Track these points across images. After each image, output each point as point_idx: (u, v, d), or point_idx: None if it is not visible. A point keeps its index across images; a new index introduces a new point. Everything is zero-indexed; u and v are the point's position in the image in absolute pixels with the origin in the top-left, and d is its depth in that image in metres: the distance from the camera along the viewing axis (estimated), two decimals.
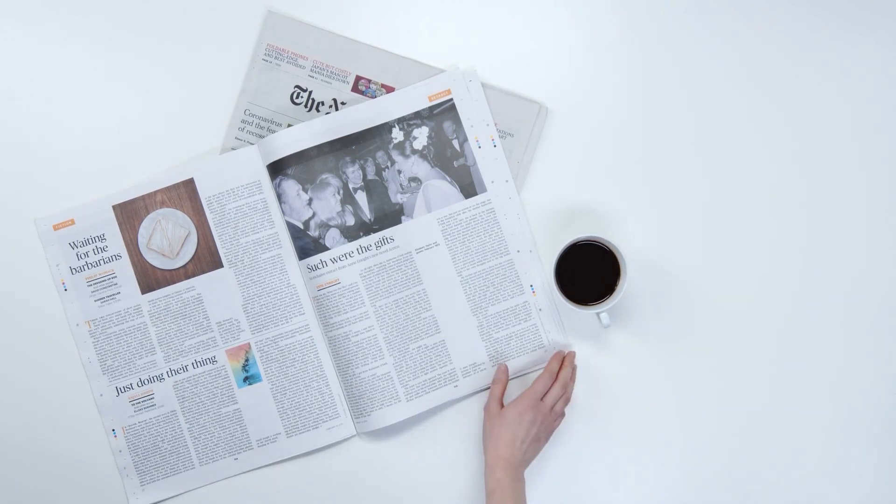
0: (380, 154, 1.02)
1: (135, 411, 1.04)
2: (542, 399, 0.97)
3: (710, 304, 1.03)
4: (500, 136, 1.03)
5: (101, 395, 1.04)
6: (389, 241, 1.02)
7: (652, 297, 1.03)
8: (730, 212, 1.03)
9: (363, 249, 1.02)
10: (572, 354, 1.01)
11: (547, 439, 0.99)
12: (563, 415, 1.00)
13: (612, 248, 0.97)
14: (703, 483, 1.03)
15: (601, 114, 1.04)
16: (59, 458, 1.05)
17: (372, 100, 1.03)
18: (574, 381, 1.01)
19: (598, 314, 0.97)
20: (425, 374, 1.03)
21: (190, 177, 1.03)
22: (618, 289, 0.97)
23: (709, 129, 1.03)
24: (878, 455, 1.03)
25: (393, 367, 1.02)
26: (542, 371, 0.99)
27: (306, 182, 1.02)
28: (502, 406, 0.98)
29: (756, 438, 1.03)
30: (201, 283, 1.04)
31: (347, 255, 1.02)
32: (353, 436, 1.04)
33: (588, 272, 0.98)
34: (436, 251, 1.03)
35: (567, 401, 0.99)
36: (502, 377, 1.00)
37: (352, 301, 1.02)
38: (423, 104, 1.03)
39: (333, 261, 1.02)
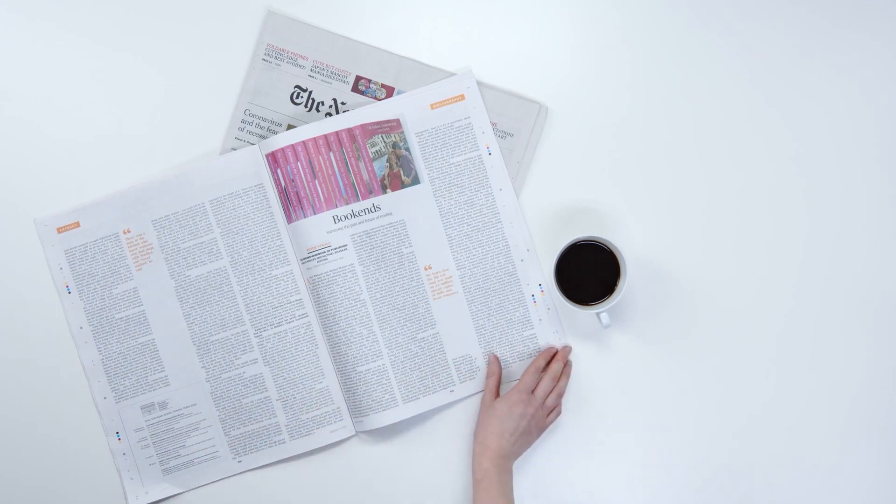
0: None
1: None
2: (532, 392, 0.98)
3: (710, 305, 1.03)
4: (500, 137, 1.03)
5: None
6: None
7: (652, 297, 1.03)
8: (730, 212, 1.03)
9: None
10: (566, 349, 1.02)
11: (539, 434, 1.00)
12: (558, 411, 1.01)
13: (612, 248, 0.97)
14: (703, 483, 1.03)
15: (601, 114, 1.03)
16: (60, 458, 1.05)
17: (378, 101, 1.03)
18: (568, 377, 1.02)
19: (598, 314, 0.97)
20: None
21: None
22: (618, 289, 0.97)
23: (709, 129, 1.03)
24: (878, 455, 1.03)
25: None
26: (529, 366, 1.00)
27: None
28: (497, 397, 0.99)
29: (756, 438, 1.03)
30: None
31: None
32: (353, 436, 1.04)
33: (588, 272, 0.98)
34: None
35: (559, 395, 1.00)
36: (495, 369, 1.01)
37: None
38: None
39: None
